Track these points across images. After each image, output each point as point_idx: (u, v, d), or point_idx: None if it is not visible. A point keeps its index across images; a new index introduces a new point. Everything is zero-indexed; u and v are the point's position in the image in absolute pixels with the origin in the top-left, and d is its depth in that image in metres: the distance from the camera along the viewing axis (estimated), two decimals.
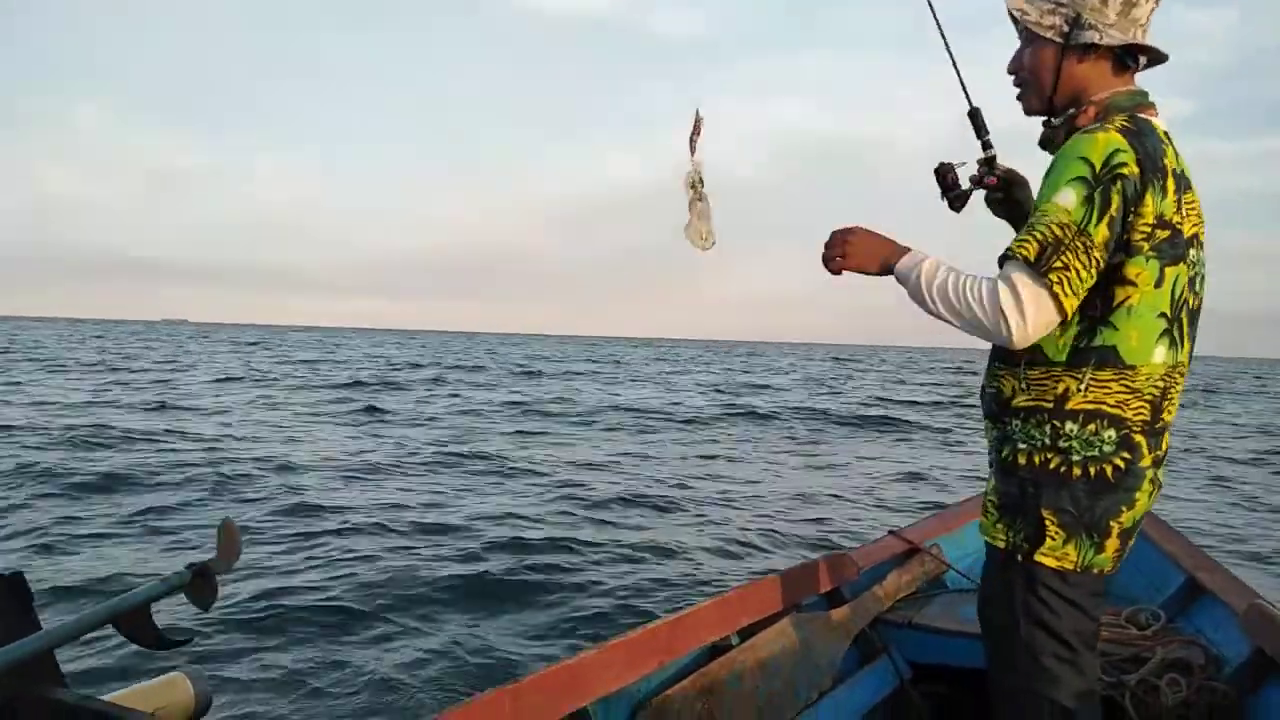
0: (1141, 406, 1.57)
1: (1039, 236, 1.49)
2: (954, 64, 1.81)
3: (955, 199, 1.81)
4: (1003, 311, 1.49)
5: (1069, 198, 1.50)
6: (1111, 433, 1.56)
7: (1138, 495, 1.60)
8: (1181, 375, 1.62)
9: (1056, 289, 1.48)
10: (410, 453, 11.23)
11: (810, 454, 12.99)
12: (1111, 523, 1.58)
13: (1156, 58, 1.64)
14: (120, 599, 1.58)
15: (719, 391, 25.57)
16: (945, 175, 1.81)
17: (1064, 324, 1.54)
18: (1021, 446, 1.61)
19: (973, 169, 1.81)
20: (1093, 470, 1.56)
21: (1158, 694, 2.37)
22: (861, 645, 2.84)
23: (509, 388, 24.90)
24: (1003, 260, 1.54)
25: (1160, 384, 1.58)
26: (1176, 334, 1.58)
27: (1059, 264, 1.48)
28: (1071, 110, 1.64)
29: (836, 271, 1.69)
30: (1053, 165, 1.56)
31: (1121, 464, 1.56)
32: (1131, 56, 1.63)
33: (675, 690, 2.24)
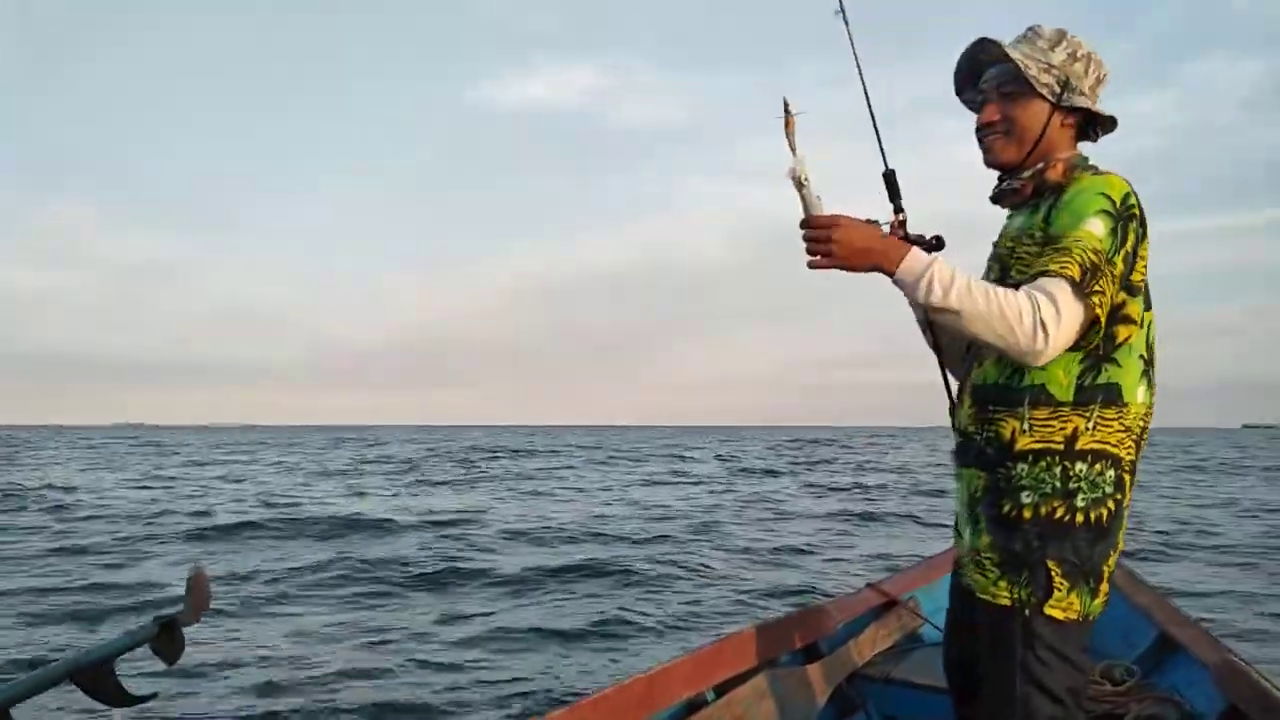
0: (1131, 445, 1.59)
1: (1079, 259, 1.49)
2: (875, 126, 1.78)
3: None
4: (1043, 323, 1.46)
5: (1099, 227, 1.52)
6: (1111, 473, 1.57)
7: (1121, 536, 1.62)
8: (1150, 417, 1.63)
9: (1096, 310, 1.50)
10: None
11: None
12: (1104, 567, 1.59)
13: (1109, 129, 1.72)
14: (81, 654, 1.53)
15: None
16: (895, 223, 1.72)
17: (1072, 353, 1.55)
18: (1027, 498, 1.57)
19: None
20: (1093, 515, 1.56)
21: None
22: (838, 701, 2.81)
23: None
24: (1037, 276, 1.52)
25: (1142, 423, 1.61)
26: (1152, 375, 1.62)
27: (1098, 287, 1.50)
28: (1040, 165, 1.68)
29: (820, 267, 1.54)
30: (1071, 199, 1.58)
31: (1114, 506, 1.58)
32: (1093, 126, 1.71)
33: None
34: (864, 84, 1.78)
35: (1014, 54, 1.63)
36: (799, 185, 1.56)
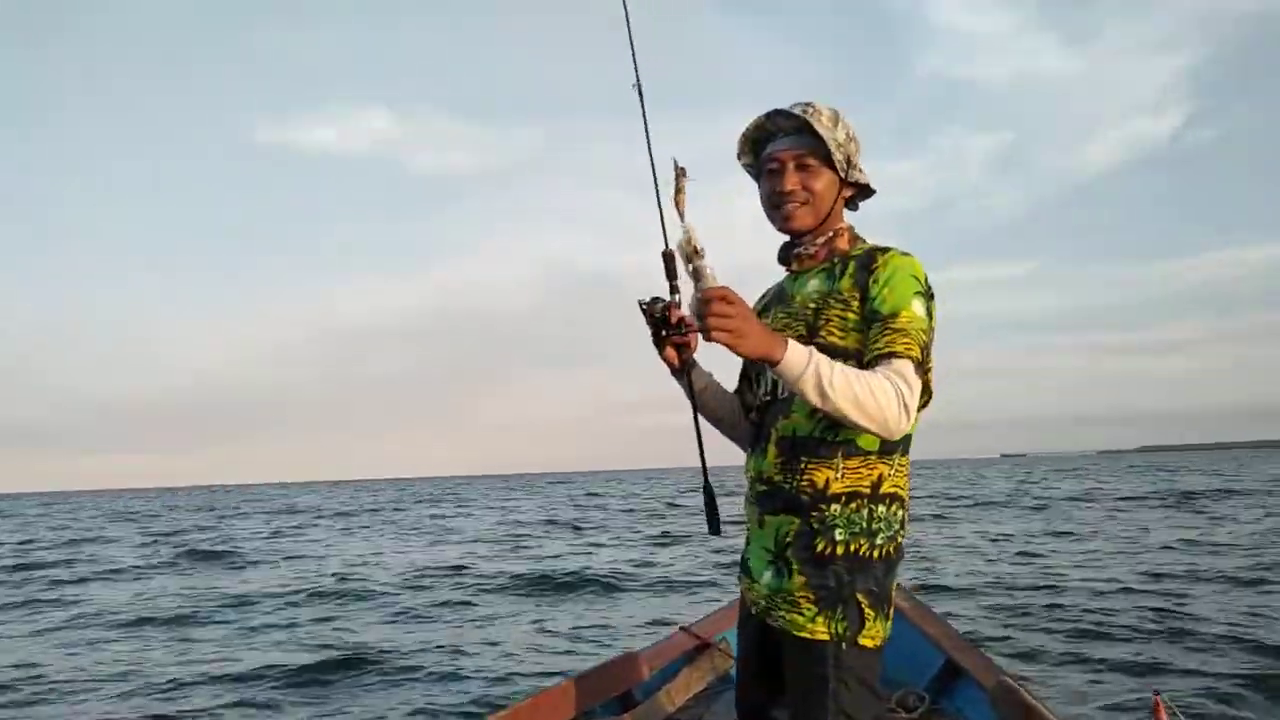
0: (910, 487, 1.79)
1: (918, 340, 1.65)
2: (659, 206, 1.77)
3: (663, 336, 1.78)
4: (905, 406, 1.59)
5: (920, 308, 1.69)
6: (901, 512, 1.75)
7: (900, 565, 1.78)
8: None
9: (931, 386, 1.69)
10: None
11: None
12: (893, 593, 1.75)
13: (868, 197, 1.91)
14: None
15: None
16: (660, 312, 1.76)
17: None
18: (839, 536, 1.68)
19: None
20: (889, 550, 1.72)
21: None
22: None
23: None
24: (886, 358, 1.63)
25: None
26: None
27: (930, 364, 1.68)
28: (830, 233, 1.83)
29: (720, 342, 1.52)
30: (890, 278, 1.70)
31: (901, 539, 1.76)
32: (861, 196, 1.90)
33: None
34: (652, 163, 1.80)
35: (821, 130, 1.76)
36: (693, 254, 1.58)
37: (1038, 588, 8.68)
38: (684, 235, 1.60)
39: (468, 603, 8.98)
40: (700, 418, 1.90)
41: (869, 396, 1.57)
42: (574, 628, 7.49)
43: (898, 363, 1.63)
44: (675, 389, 1.96)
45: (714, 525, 1.82)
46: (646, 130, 1.82)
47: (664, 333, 1.78)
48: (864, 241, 1.84)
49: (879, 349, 1.66)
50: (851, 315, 1.72)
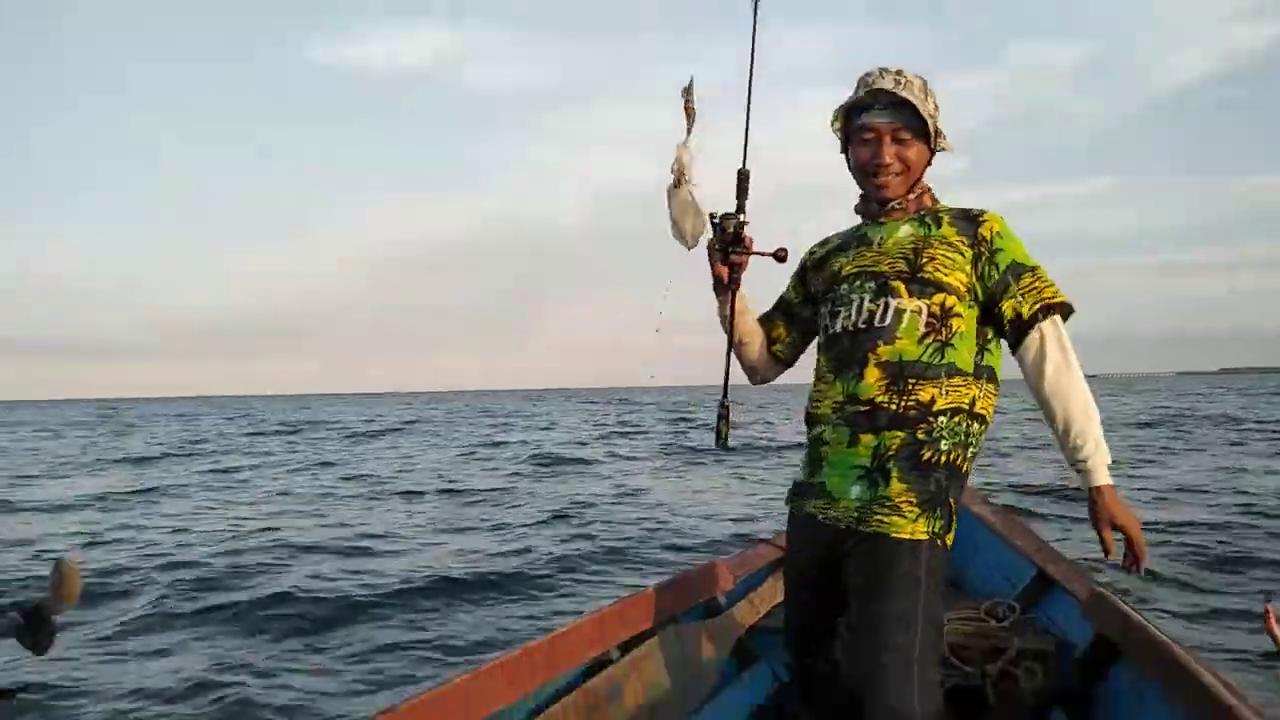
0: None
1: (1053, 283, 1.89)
2: (747, 124, 1.97)
3: (729, 253, 1.96)
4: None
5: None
6: (983, 433, 1.92)
7: None
8: None
9: None
10: None
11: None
12: None
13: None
14: None
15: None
16: (732, 228, 1.94)
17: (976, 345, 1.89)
18: (944, 446, 1.84)
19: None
20: (971, 465, 1.90)
21: (1016, 682, 2.50)
22: (738, 653, 2.86)
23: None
24: (1054, 308, 1.86)
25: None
26: None
27: None
28: (917, 192, 1.98)
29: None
30: (1007, 233, 1.91)
31: (975, 456, 1.92)
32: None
33: (556, 708, 2.19)
34: (751, 79, 1.97)
35: (916, 104, 1.89)
36: (680, 175, 1.80)
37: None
38: (678, 156, 1.82)
39: None
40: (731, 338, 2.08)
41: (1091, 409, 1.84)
42: None
43: (1056, 318, 1.86)
44: (710, 313, 2.10)
45: (722, 440, 2.02)
46: (753, 47, 1.94)
47: (730, 248, 1.95)
48: (940, 201, 2.01)
49: (1046, 299, 1.86)
50: (959, 257, 1.88)
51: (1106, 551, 1.81)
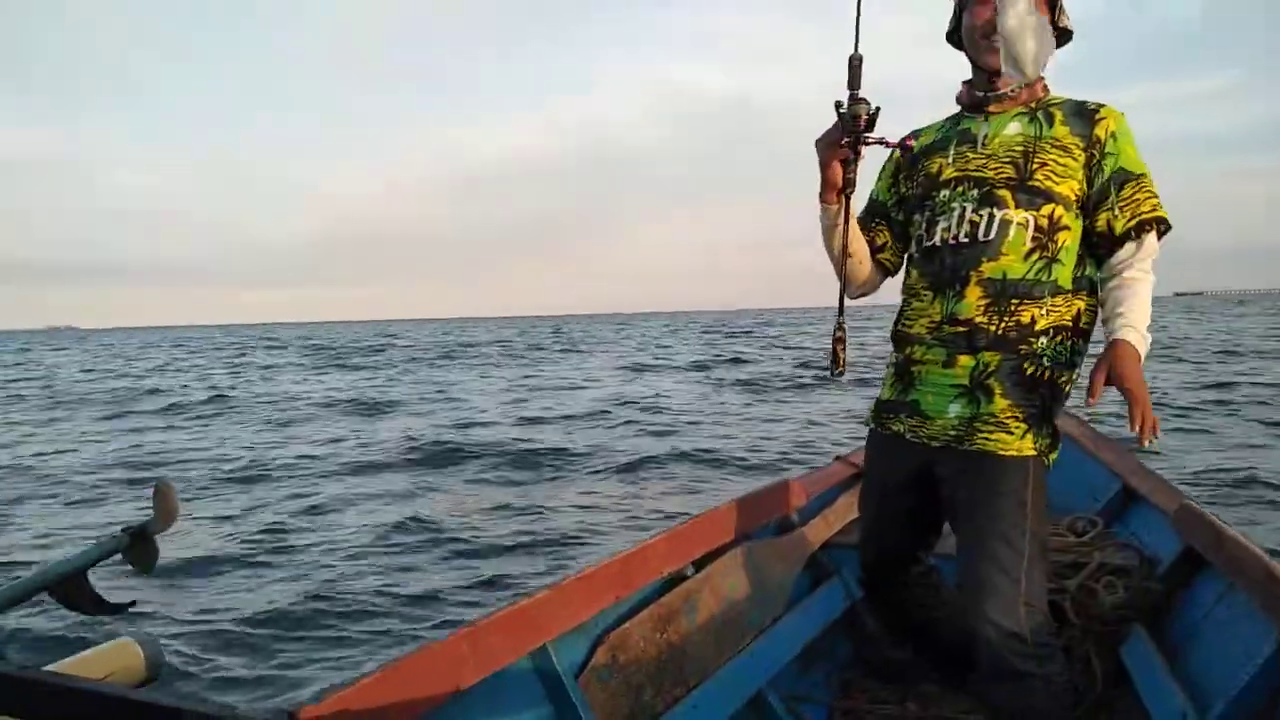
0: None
1: (1158, 196, 1.77)
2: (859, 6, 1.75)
3: (860, 143, 1.76)
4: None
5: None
6: (1086, 348, 1.85)
7: None
8: None
9: None
10: None
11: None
12: None
13: (1061, 44, 1.90)
14: (54, 565, 1.51)
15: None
16: (866, 114, 1.74)
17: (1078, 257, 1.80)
18: (1047, 363, 1.78)
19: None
20: (1074, 382, 1.84)
21: (1096, 597, 2.46)
22: (813, 569, 2.88)
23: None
24: (1153, 224, 1.75)
25: None
26: None
27: None
28: (1025, 81, 1.82)
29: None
30: (1124, 134, 1.77)
31: (1079, 374, 1.85)
32: (1058, 43, 1.87)
33: (633, 623, 2.25)
34: None
35: None
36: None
37: None
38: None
39: None
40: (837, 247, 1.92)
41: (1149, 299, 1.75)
42: None
43: (1152, 235, 1.75)
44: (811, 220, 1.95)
45: (839, 364, 1.87)
46: None
47: (856, 138, 1.75)
48: (1053, 93, 1.86)
49: (1145, 213, 1.74)
50: (1071, 163, 1.75)
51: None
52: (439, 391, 16.57)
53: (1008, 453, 1.75)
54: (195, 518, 6.20)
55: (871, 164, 1.95)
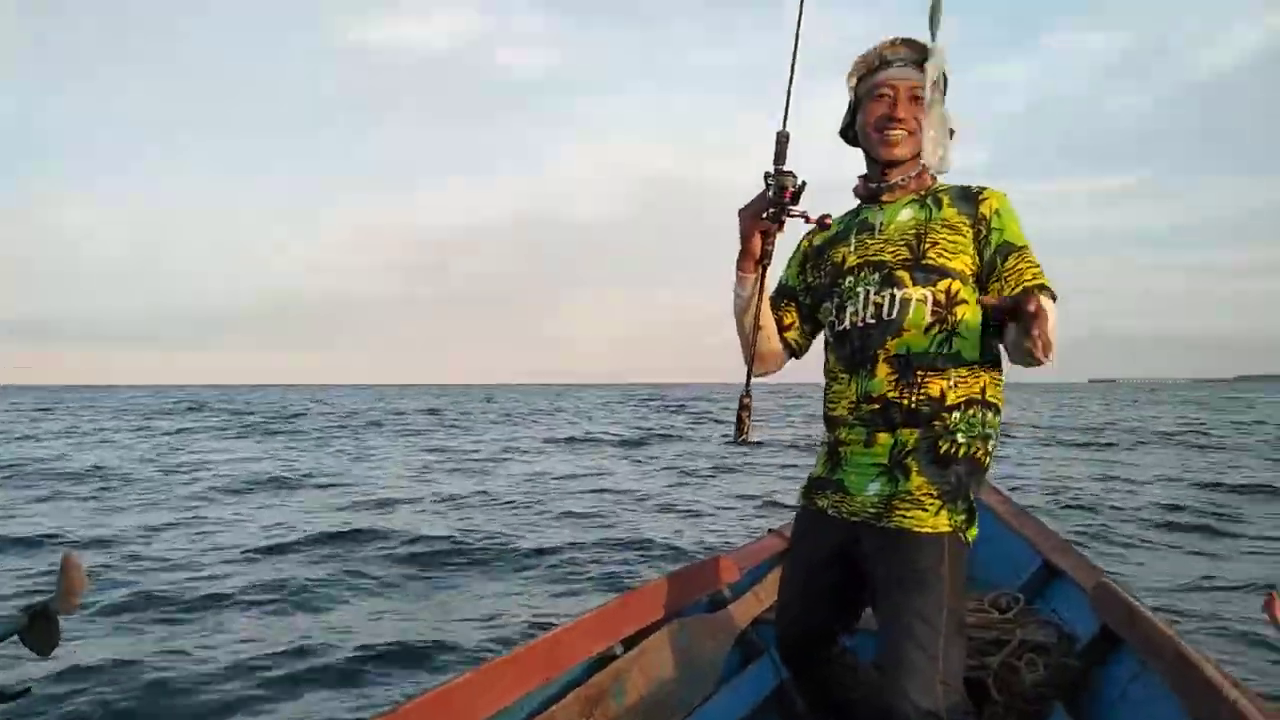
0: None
1: (1042, 270, 1.81)
2: (790, 82, 1.84)
3: (784, 214, 1.83)
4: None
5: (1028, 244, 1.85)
6: (999, 421, 1.89)
7: None
8: None
9: None
10: None
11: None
12: None
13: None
14: None
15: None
16: (794, 186, 1.81)
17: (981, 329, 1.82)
18: (961, 439, 1.81)
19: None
20: (991, 457, 1.87)
21: (1018, 674, 2.50)
22: (743, 646, 2.87)
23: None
24: (1038, 290, 1.75)
25: None
26: None
27: None
28: (919, 167, 1.93)
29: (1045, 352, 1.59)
30: (1005, 210, 1.85)
31: (995, 447, 1.89)
32: None
33: (560, 706, 2.20)
34: (796, 39, 1.87)
35: (943, 65, 1.85)
36: (934, 85, 1.81)
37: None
38: (934, 61, 1.80)
39: None
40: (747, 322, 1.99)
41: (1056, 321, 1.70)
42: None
43: (1044, 295, 1.75)
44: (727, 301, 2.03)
45: (743, 430, 1.90)
46: (801, 6, 1.85)
47: (780, 209, 1.81)
48: (939, 180, 1.95)
49: (1028, 280, 1.79)
50: (961, 239, 1.84)
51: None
52: (356, 460, 15.77)
53: (923, 530, 1.78)
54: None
55: (785, 247, 2.01)
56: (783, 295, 2.11)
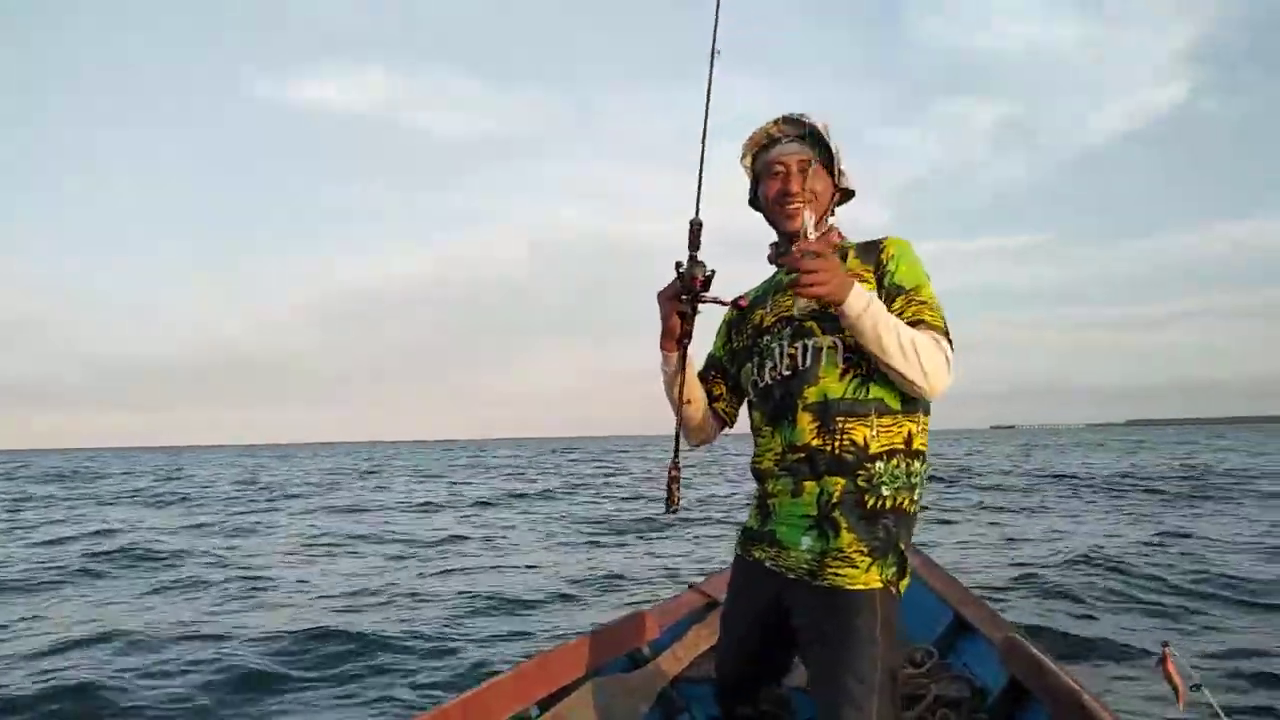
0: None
1: (940, 314, 1.86)
2: (700, 175, 1.95)
3: (697, 301, 1.90)
4: (948, 362, 1.80)
5: (932, 288, 1.89)
6: (926, 470, 1.92)
7: None
8: None
9: (953, 357, 1.83)
10: None
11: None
12: None
13: (846, 201, 2.08)
14: None
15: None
16: (702, 275, 1.87)
17: None
18: (886, 491, 1.83)
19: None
20: (918, 506, 1.90)
21: None
22: (663, 705, 2.83)
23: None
24: (916, 324, 1.81)
25: None
26: None
27: (950, 336, 1.85)
28: (825, 229, 1.99)
29: (813, 296, 1.72)
30: (902, 256, 1.90)
31: (922, 496, 1.91)
32: (843, 200, 2.07)
33: None
34: (705, 131, 1.96)
35: (826, 138, 1.95)
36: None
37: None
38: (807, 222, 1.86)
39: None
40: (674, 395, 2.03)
41: (920, 345, 1.76)
42: None
43: (933, 332, 1.81)
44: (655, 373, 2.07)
45: (673, 501, 1.94)
46: (708, 101, 1.95)
47: (698, 295, 1.89)
48: (849, 239, 2.02)
49: (909, 319, 1.82)
50: (868, 288, 1.84)
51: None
52: (247, 533, 13.21)
53: (855, 587, 1.80)
54: None
55: (713, 319, 2.07)
56: (711, 367, 2.18)
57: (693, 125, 1.97)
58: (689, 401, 2.05)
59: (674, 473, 1.96)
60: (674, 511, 1.95)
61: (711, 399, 2.14)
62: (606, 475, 27.65)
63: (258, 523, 14.66)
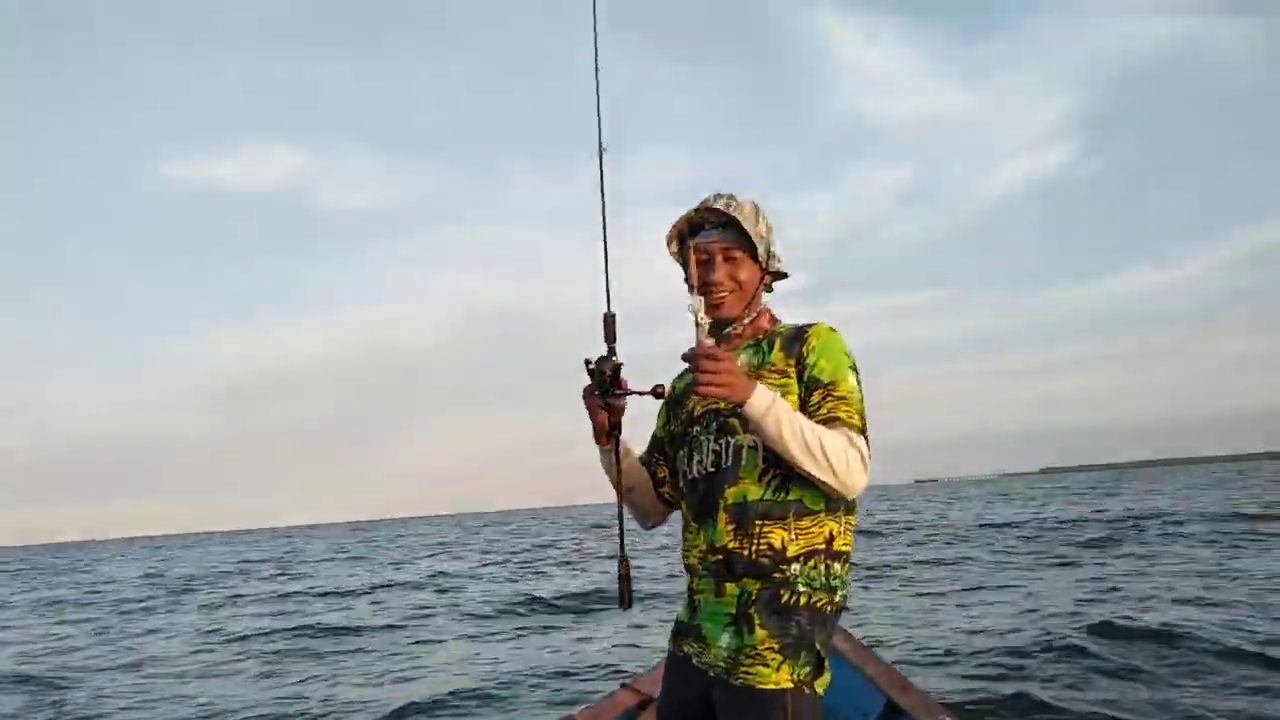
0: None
1: (858, 411, 1.80)
2: (606, 271, 1.90)
3: (608, 397, 1.86)
4: (864, 465, 1.74)
5: (854, 380, 1.84)
6: (849, 569, 1.89)
7: None
8: None
9: (871, 452, 1.78)
10: None
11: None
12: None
13: (781, 279, 2.05)
14: None
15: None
16: (610, 370, 1.82)
17: None
18: (802, 589, 1.80)
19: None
20: (839, 606, 1.86)
21: None
22: None
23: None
24: (830, 423, 1.77)
25: None
26: None
27: (869, 433, 1.80)
28: (754, 314, 1.98)
29: (713, 395, 1.66)
30: (823, 348, 1.86)
31: (845, 597, 1.88)
32: (776, 279, 2.05)
33: None
34: (604, 226, 1.93)
35: (745, 225, 1.90)
36: (698, 321, 1.74)
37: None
38: (692, 302, 1.77)
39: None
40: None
41: (820, 448, 1.70)
42: None
43: (847, 430, 1.77)
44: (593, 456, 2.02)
45: (625, 600, 1.88)
46: (603, 196, 1.93)
47: (610, 391, 1.85)
48: (781, 321, 2.01)
49: (823, 415, 1.79)
50: (789, 382, 1.85)
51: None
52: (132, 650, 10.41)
53: (766, 686, 1.76)
54: None
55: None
56: (654, 449, 2.13)
57: (595, 197, 1.90)
58: (630, 489, 2.03)
59: (624, 570, 1.89)
60: (628, 608, 1.88)
61: (656, 483, 2.10)
62: (536, 548, 26.85)
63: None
